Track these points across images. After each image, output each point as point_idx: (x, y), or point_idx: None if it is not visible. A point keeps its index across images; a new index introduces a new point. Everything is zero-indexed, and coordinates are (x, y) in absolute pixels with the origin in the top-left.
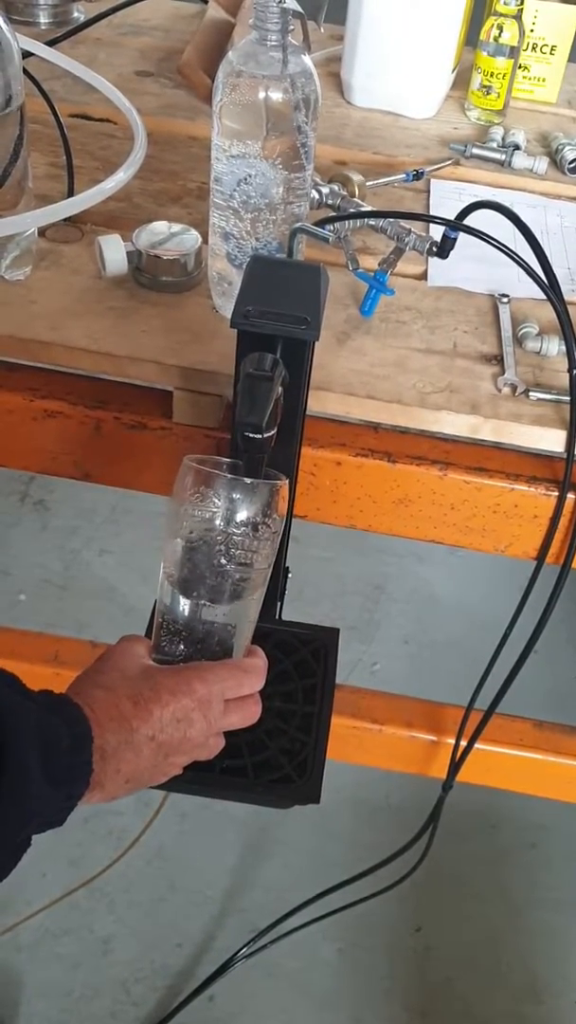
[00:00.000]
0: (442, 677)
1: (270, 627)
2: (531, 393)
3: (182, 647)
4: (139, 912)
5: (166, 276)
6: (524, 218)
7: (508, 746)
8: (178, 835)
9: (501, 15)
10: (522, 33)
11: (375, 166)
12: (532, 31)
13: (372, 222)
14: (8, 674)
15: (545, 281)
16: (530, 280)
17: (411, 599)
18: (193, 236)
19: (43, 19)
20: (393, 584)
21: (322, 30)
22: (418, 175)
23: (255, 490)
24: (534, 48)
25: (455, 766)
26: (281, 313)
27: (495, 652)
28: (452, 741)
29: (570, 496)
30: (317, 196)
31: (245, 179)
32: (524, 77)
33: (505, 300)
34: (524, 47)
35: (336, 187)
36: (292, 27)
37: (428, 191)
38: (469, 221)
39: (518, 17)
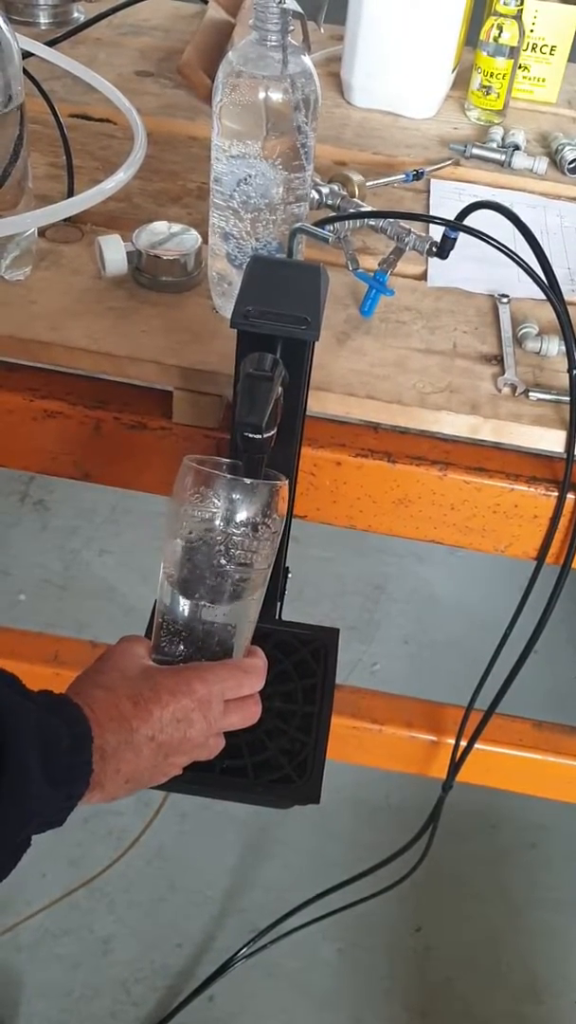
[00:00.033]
0: (442, 677)
1: (270, 627)
2: (531, 393)
3: (182, 647)
4: (139, 912)
5: (166, 276)
6: (524, 218)
7: (508, 746)
8: (178, 835)
9: (501, 15)
10: (522, 33)
11: (375, 166)
12: (532, 31)
13: (372, 222)
14: (8, 674)
15: (545, 281)
16: (530, 280)
17: (411, 599)
18: (193, 236)
19: (43, 19)
20: (393, 584)
21: (322, 30)
22: (418, 175)
23: (255, 490)
24: (534, 48)
25: (455, 766)
26: (281, 313)
27: (495, 652)
28: (452, 741)
29: (570, 496)
30: (317, 196)
31: (245, 179)
32: (524, 77)
33: (505, 300)
34: (524, 47)
35: (336, 187)
36: (292, 27)
37: (428, 191)
38: (469, 221)
39: (518, 17)
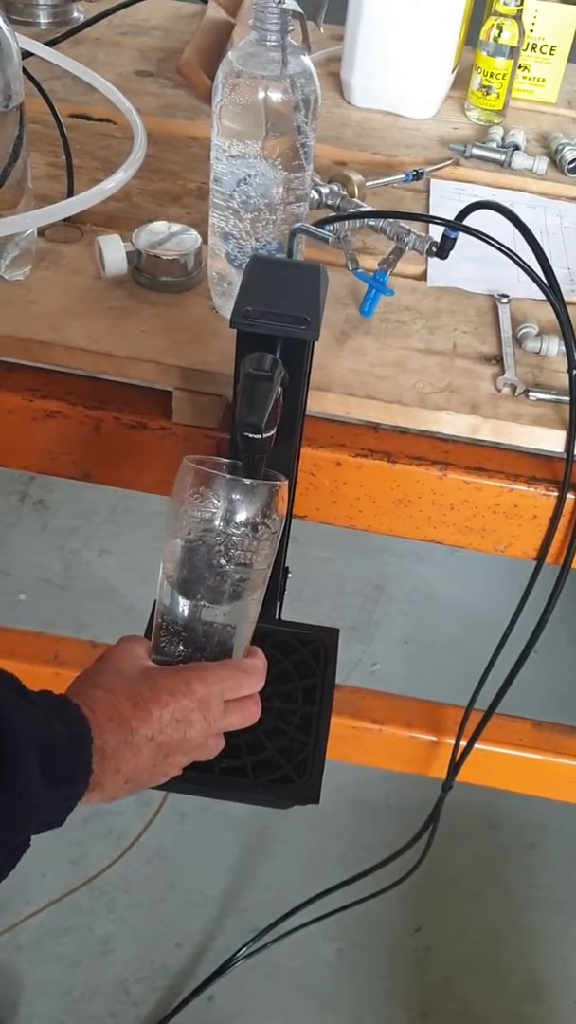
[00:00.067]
0: (442, 677)
1: (270, 627)
2: (531, 393)
3: (181, 648)
4: (139, 912)
5: (166, 276)
6: (524, 218)
7: (508, 746)
8: (178, 835)
9: (501, 15)
10: (522, 33)
11: (375, 166)
12: (532, 31)
13: (372, 222)
14: (8, 675)
15: (545, 281)
16: (530, 280)
17: (411, 599)
18: (193, 236)
19: (43, 19)
20: (393, 584)
21: (322, 30)
22: (418, 175)
23: (254, 490)
24: (534, 48)
25: (455, 766)
26: (281, 313)
27: (495, 652)
28: (452, 741)
29: (570, 496)
30: (317, 196)
31: (245, 179)
32: (524, 77)
33: (505, 300)
34: (524, 47)
35: (336, 187)
36: (292, 27)
37: (428, 191)
38: (469, 221)
39: (518, 17)
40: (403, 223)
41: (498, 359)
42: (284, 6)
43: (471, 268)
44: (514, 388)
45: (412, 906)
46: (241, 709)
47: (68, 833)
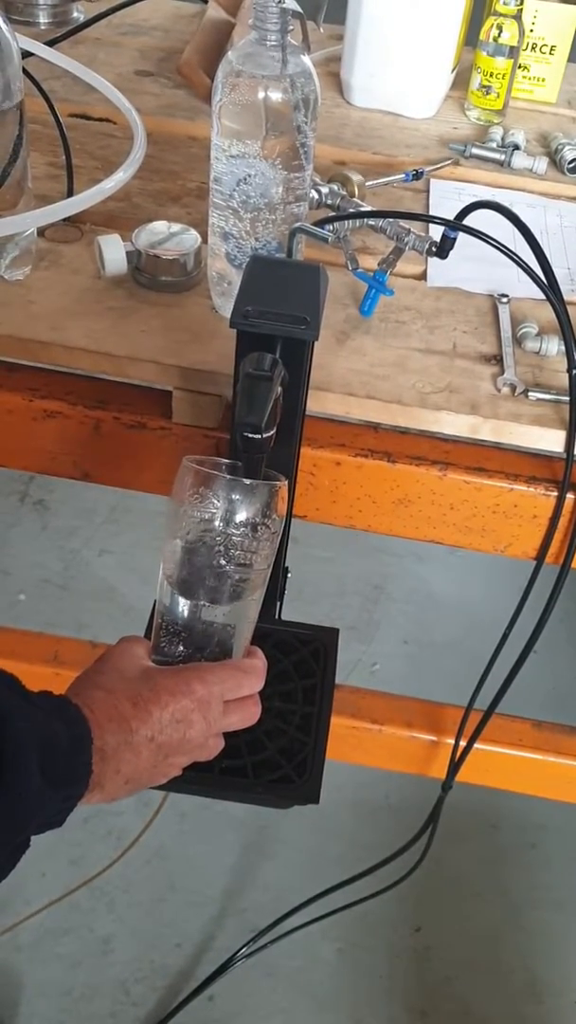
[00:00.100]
0: (442, 677)
1: (270, 627)
2: (530, 393)
3: (181, 648)
4: (139, 912)
5: (165, 276)
6: (523, 218)
7: (508, 746)
8: (178, 835)
9: (501, 15)
10: (522, 33)
11: (375, 166)
12: (532, 31)
13: (371, 222)
14: (8, 675)
15: (544, 281)
16: (529, 280)
17: (411, 599)
18: (192, 236)
19: (43, 19)
20: (393, 584)
21: (321, 30)
22: (417, 175)
23: (254, 491)
24: (534, 48)
25: (455, 766)
26: (280, 313)
27: (495, 652)
28: (452, 741)
29: (569, 496)
30: (317, 196)
31: (244, 179)
32: (524, 77)
33: (504, 300)
34: (524, 47)
35: (335, 187)
36: (291, 27)
37: (428, 191)
38: (468, 221)
39: (518, 17)
40: (403, 223)
41: (498, 359)
42: (284, 6)
43: (471, 268)
44: (514, 388)
45: (412, 906)
46: (241, 709)
47: (68, 833)
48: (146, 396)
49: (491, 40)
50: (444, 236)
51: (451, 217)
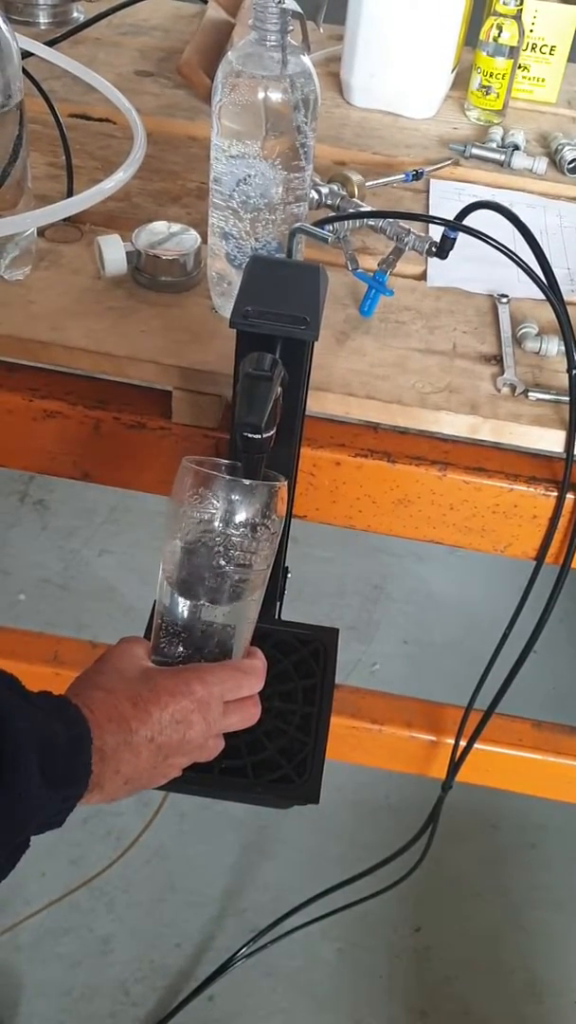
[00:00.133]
0: (442, 677)
1: (269, 627)
2: (530, 393)
3: (181, 648)
4: (139, 912)
5: (165, 276)
6: (523, 218)
7: (507, 746)
8: (178, 835)
9: (501, 15)
10: (522, 33)
11: (374, 166)
12: (532, 31)
13: (371, 222)
14: (7, 675)
15: (544, 281)
16: (529, 280)
17: (410, 599)
18: (192, 236)
19: (43, 19)
20: (392, 584)
21: (321, 30)
22: (417, 175)
23: (254, 491)
24: (534, 48)
25: (455, 766)
26: (280, 313)
27: (495, 652)
28: (452, 741)
29: (569, 496)
30: (316, 196)
31: (244, 179)
32: (524, 77)
33: (504, 300)
34: (524, 47)
35: (335, 187)
36: (291, 27)
37: (427, 191)
38: (468, 221)
39: (518, 17)
40: (403, 223)
41: (498, 359)
42: (284, 6)
43: (471, 268)
44: (514, 388)
45: (412, 906)
46: (241, 710)
47: (68, 833)
48: (146, 396)
49: (491, 40)
50: (444, 236)
51: (451, 217)
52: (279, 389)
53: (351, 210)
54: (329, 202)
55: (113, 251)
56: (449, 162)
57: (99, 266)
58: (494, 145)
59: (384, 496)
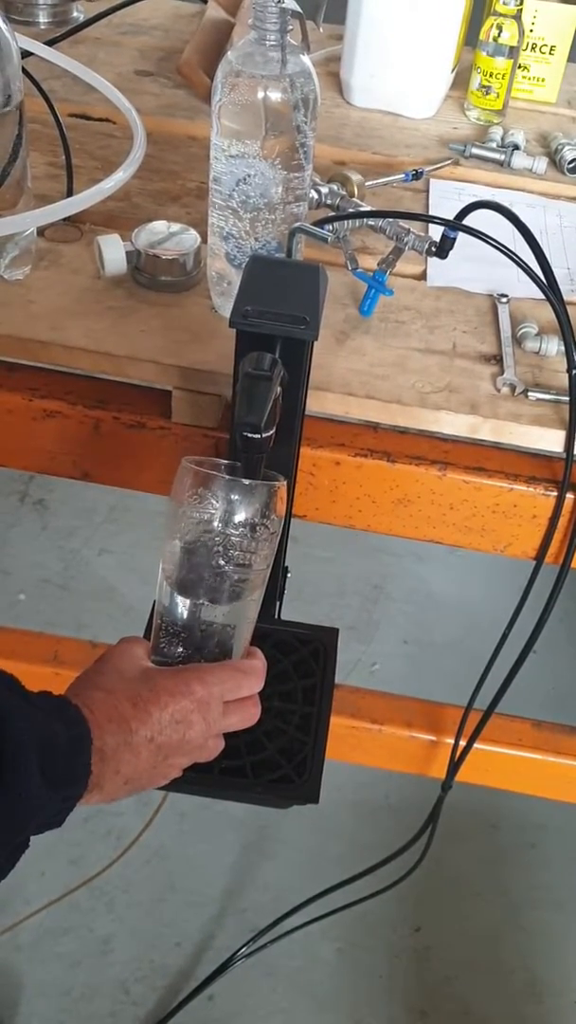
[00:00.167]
0: (441, 677)
1: (269, 627)
2: (530, 393)
3: (181, 648)
4: (139, 911)
5: (165, 276)
6: (523, 218)
7: (507, 746)
8: (178, 835)
9: (500, 15)
10: (521, 33)
11: (374, 166)
12: (531, 31)
13: (371, 222)
14: (7, 675)
15: (544, 281)
16: (529, 280)
17: (410, 599)
18: (192, 236)
19: (43, 19)
20: (392, 584)
21: (321, 30)
22: (417, 175)
23: (253, 491)
24: (533, 48)
25: (454, 766)
26: (280, 313)
27: (494, 652)
28: (451, 741)
29: (569, 496)
30: (316, 196)
31: (244, 179)
32: (524, 77)
33: (504, 300)
34: (523, 47)
35: (335, 187)
36: (291, 27)
37: (427, 191)
38: (468, 221)
39: (517, 17)
40: (402, 223)
41: (497, 359)
42: (283, 6)
43: (470, 268)
44: (513, 388)
45: (412, 906)
46: (241, 710)
47: (68, 833)
48: (146, 396)
49: (491, 40)
50: (444, 236)
51: (451, 217)
52: (279, 389)
53: (351, 210)
54: (329, 202)
55: (113, 251)
56: (449, 162)
57: (99, 266)
58: (494, 145)
59: (384, 496)
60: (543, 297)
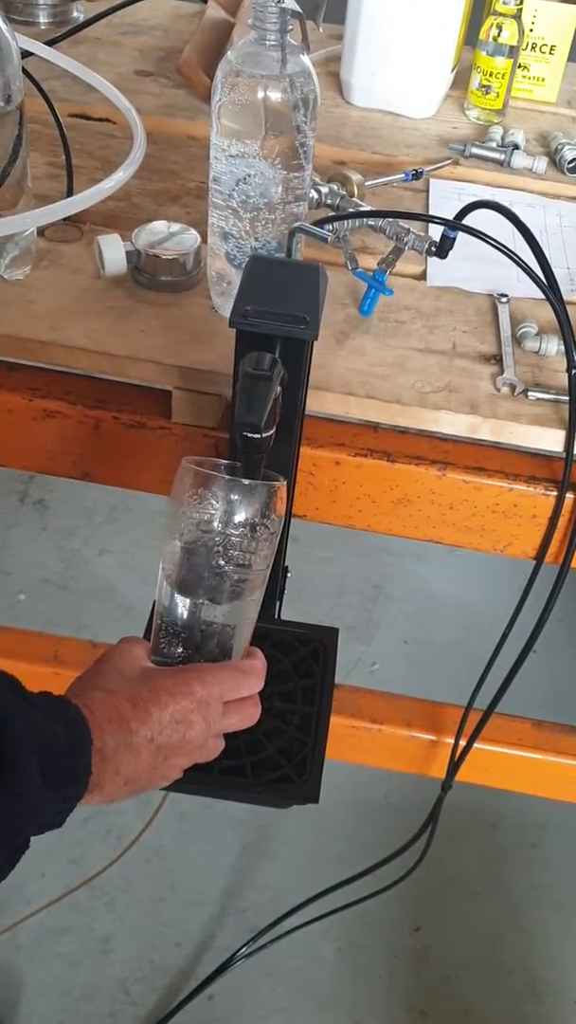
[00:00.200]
0: (441, 677)
1: (269, 627)
2: (530, 393)
3: (181, 649)
4: (139, 911)
5: (165, 276)
6: (523, 218)
7: (507, 746)
8: (178, 834)
9: (500, 15)
10: (521, 33)
11: (374, 166)
12: (531, 31)
13: (371, 222)
14: (8, 676)
15: (544, 281)
16: (529, 280)
17: (410, 599)
18: (192, 236)
19: (43, 19)
20: (392, 584)
21: (321, 30)
22: (417, 175)
23: (253, 491)
24: (533, 48)
25: (454, 766)
26: (280, 313)
27: (494, 652)
28: (451, 741)
29: (569, 495)
30: (316, 196)
31: (244, 179)
32: (523, 77)
33: (504, 300)
34: (523, 47)
35: (335, 187)
36: (291, 27)
37: (427, 191)
38: (468, 221)
39: (517, 17)
40: (402, 223)
41: (497, 359)
42: (283, 6)
43: (470, 268)
44: (513, 388)
45: (411, 906)
46: (241, 710)
47: (68, 833)
48: (146, 396)
49: (491, 40)
50: (444, 236)
51: (451, 217)
52: (279, 389)
53: (351, 210)
54: (329, 202)
55: (113, 251)
56: (449, 162)
57: (99, 266)
58: (494, 144)
59: (384, 496)
60: (543, 297)
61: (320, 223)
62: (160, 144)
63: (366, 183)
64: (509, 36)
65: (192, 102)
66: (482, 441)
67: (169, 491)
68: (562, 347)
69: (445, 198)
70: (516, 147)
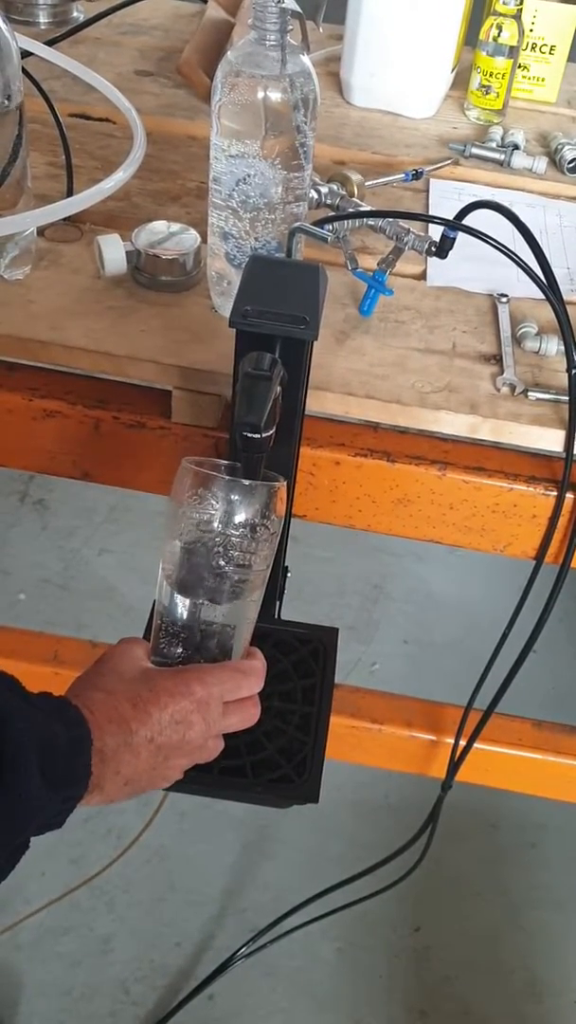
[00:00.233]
0: (441, 677)
1: (269, 627)
2: (530, 393)
3: (181, 649)
4: (139, 911)
5: (165, 276)
6: (523, 218)
7: (507, 746)
8: (178, 834)
9: (500, 15)
10: (521, 33)
11: (374, 166)
12: (531, 31)
13: (371, 222)
14: (8, 676)
15: (544, 281)
16: (529, 280)
17: (410, 599)
18: (192, 236)
19: (43, 19)
20: (392, 584)
21: (321, 30)
22: (417, 175)
23: (253, 491)
24: (533, 48)
25: (454, 766)
26: (280, 313)
27: (494, 652)
28: (451, 741)
29: (569, 495)
30: (316, 196)
31: (244, 179)
32: (523, 77)
33: (504, 300)
34: (523, 47)
35: (335, 187)
36: (291, 27)
37: (427, 191)
38: (468, 221)
39: (517, 17)
40: (402, 223)
41: (497, 359)
42: (283, 6)
43: (470, 268)
44: (513, 388)
45: (411, 906)
46: (240, 710)
47: (68, 833)
48: (146, 396)
49: (491, 40)
50: (444, 236)
51: (451, 217)
52: (278, 389)
53: (351, 210)
54: (329, 202)
55: (113, 251)
56: (449, 162)
57: (99, 266)
58: (494, 145)
59: (384, 496)
60: (543, 297)
61: (320, 223)
62: (160, 144)
63: (366, 183)
64: (509, 36)
65: (192, 102)
66: (482, 441)
67: (169, 491)
68: (562, 347)
69: (445, 198)
70: (516, 147)
